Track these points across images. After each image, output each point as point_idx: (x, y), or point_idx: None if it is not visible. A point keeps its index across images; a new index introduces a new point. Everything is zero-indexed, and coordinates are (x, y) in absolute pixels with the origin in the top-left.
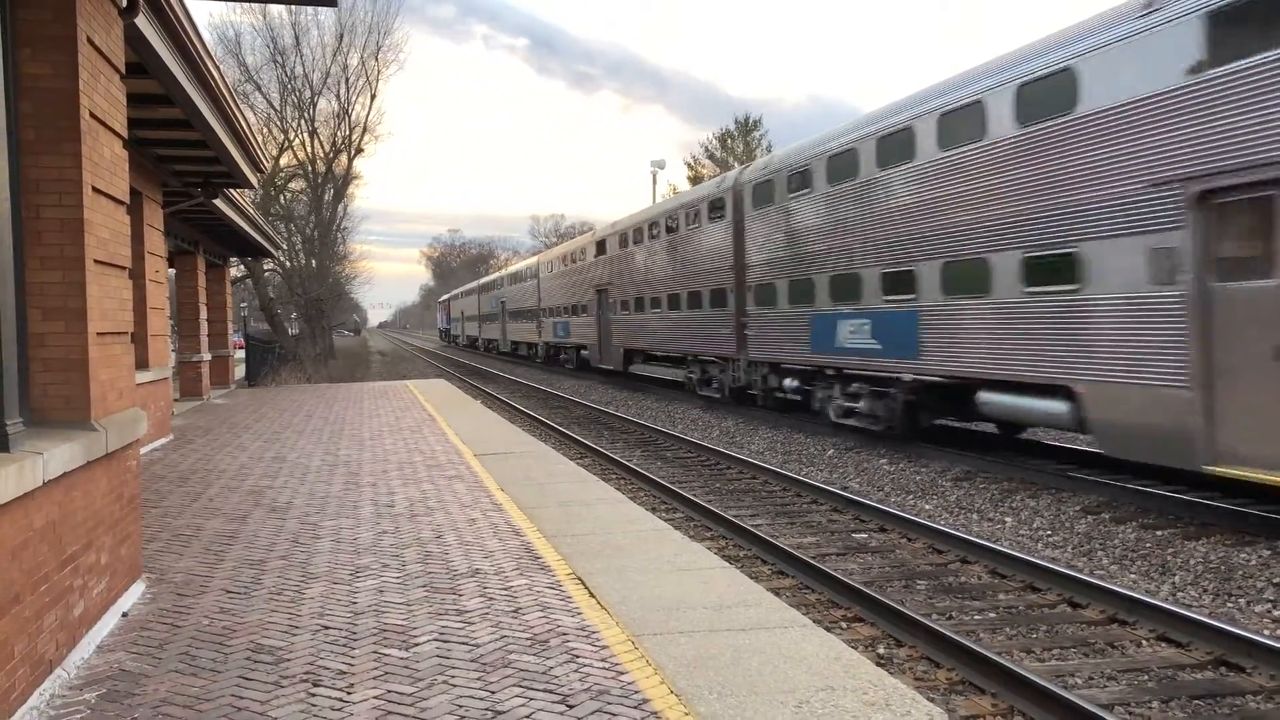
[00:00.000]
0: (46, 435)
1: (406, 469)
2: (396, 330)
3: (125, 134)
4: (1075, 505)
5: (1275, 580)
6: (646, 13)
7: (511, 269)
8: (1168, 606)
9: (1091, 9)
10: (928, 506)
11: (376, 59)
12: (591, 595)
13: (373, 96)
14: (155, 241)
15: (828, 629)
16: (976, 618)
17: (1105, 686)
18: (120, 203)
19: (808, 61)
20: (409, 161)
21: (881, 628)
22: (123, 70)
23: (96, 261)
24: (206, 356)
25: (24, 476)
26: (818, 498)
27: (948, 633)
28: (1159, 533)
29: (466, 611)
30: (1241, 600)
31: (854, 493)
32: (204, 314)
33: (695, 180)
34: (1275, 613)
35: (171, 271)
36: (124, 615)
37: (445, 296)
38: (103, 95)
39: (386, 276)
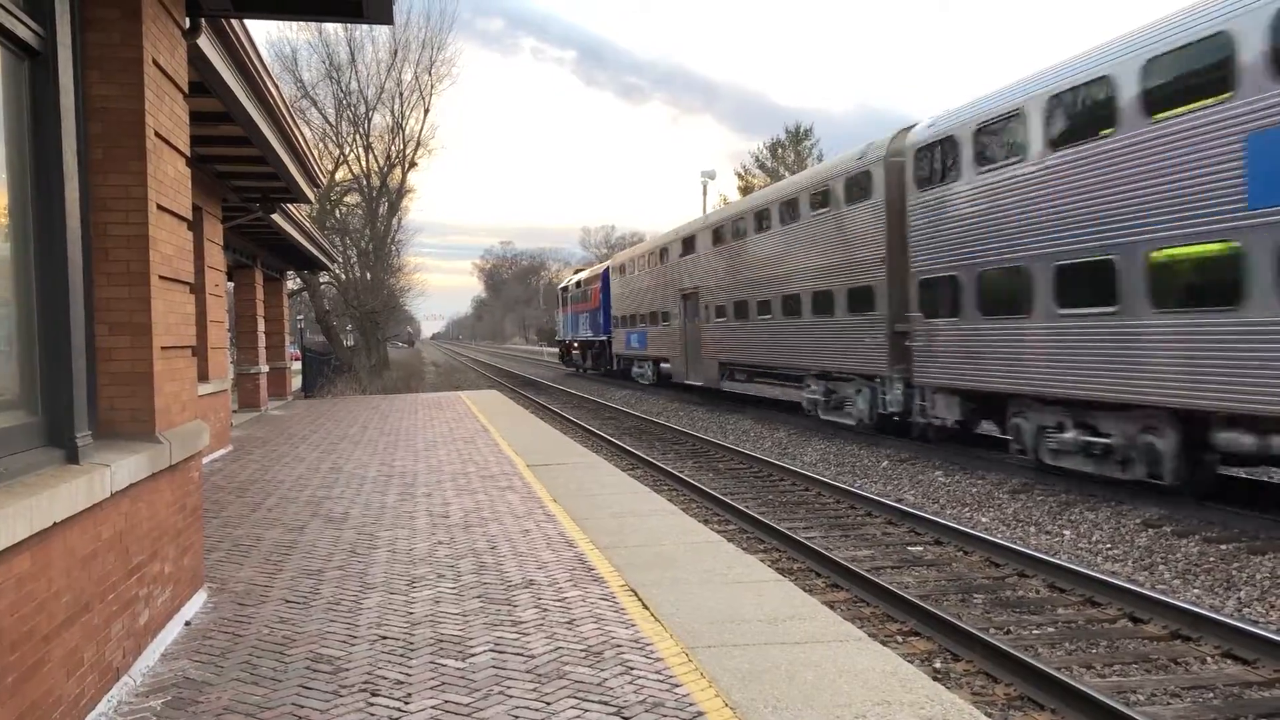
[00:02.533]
0: (113, 447)
1: (460, 480)
2: (449, 341)
3: (188, 152)
4: (1135, 518)
5: None
6: (694, 23)
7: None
8: (1233, 622)
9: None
10: (984, 519)
11: (430, 74)
12: (645, 607)
13: (426, 111)
14: (215, 256)
15: (883, 643)
16: (1035, 632)
17: (1168, 704)
18: (183, 219)
19: (856, 70)
20: (460, 174)
21: (938, 642)
22: (186, 90)
23: (161, 277)
24: (264, 368)
25: (93, 488)
26: (872, 510)
27: (1006, 647)
28: (1223, 547)
29: (522, 622)
30: None
31: (909, 505)
32: (261, 326)
33: (745, 190)
34: None
35: (230, 285)
36: (187, 624)
37: (580, 274)
38: (167, 115)
39: (439, 288)
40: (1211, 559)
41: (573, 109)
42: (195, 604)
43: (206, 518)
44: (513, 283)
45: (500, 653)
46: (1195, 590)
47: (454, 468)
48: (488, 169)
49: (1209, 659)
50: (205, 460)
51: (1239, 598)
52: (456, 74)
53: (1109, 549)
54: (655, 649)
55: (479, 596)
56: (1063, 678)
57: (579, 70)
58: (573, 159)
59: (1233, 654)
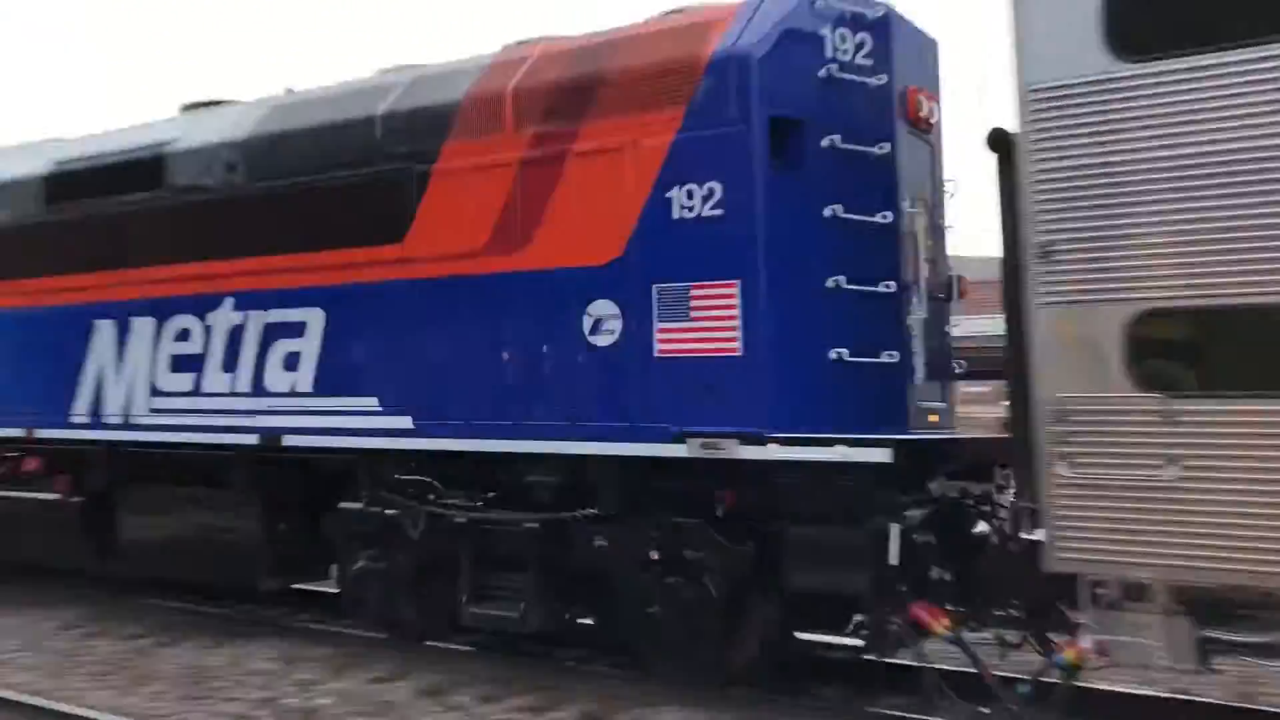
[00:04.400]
0: None
1: None
2: None
3: None
4: (53, 622)
5: (237, 678)
6: None
7: None
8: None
9: None
10: None
11: None
12: None
13: None
14: None
15: None
16: None
17: None
18: None
19: None
20: None
21: None
22: None
23: None
24: None
25: None
26: None
27: None
28: (141, 641)
29: None
30: (210, 700)
31: None
32: None
33: None
34: (232, 709)
35: None
36: None
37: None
38: None
39: None
40: (130, 655)
41: None
42: None
43: None
44: None
45: None
46: (110, 690)
47: None
48: None
49: None
50: None
51: (153, 690)
52: None
53: (26, 657)
54: None
55: None
56: None
57: None
58: None
59: None
